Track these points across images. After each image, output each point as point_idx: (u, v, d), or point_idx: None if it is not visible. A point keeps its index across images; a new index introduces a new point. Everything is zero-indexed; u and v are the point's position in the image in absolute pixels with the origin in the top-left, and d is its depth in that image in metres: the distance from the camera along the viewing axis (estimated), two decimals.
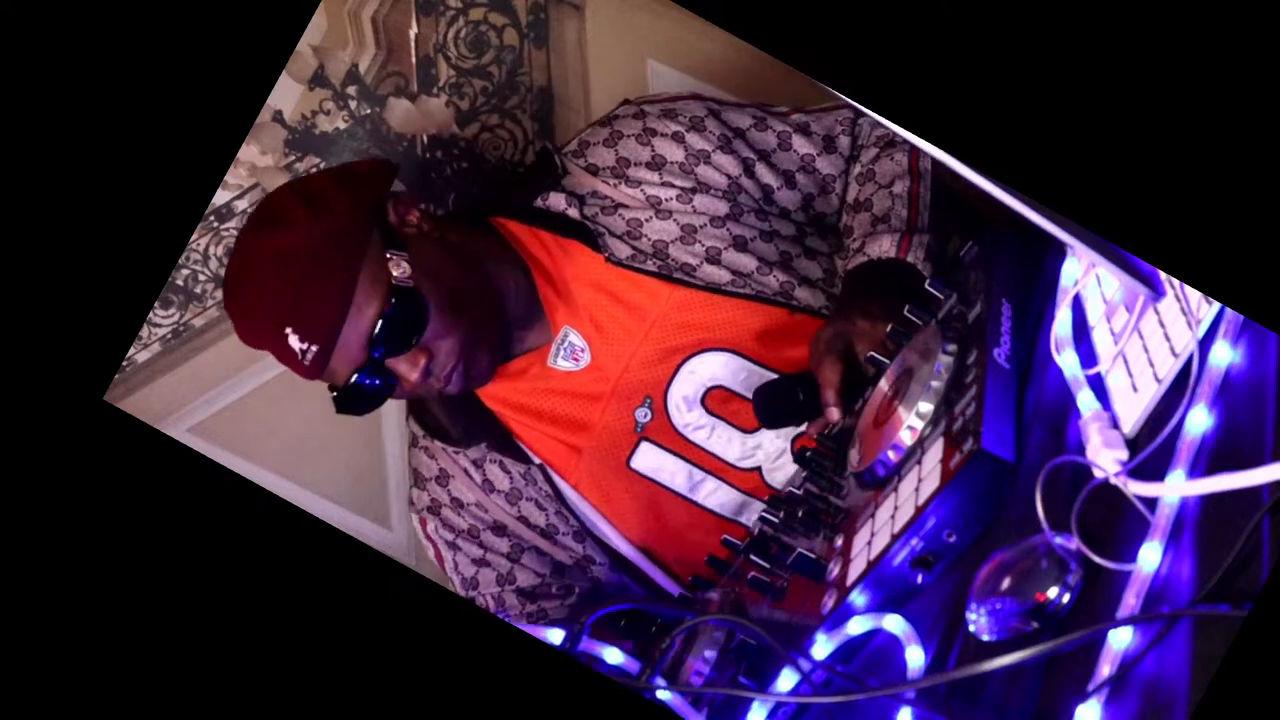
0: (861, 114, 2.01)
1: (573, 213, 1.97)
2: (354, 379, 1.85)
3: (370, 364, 1.84)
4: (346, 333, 1.81)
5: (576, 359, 1.97)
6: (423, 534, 2.09)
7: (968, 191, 1.78)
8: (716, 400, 1.96)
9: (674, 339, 1.95)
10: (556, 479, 2.00)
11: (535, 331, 1.99)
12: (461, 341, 1.87)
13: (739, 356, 1.94)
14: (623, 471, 1.99)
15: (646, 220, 1.96)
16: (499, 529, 2.03)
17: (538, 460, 2.00)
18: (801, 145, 2.00)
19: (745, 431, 1.96)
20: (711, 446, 1.98)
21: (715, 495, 1.99)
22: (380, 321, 1.82)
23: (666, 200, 1.96)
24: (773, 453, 1.97)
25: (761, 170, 1.98)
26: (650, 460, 1.98)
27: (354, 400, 1.88)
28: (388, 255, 1.84)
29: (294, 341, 1.82)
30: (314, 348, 1.81)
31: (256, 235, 1.88)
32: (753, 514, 1.96)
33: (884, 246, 1.85)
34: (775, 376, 1.91)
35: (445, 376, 1.87)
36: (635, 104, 2.05)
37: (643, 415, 1.97)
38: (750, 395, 1.92)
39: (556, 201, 1.98)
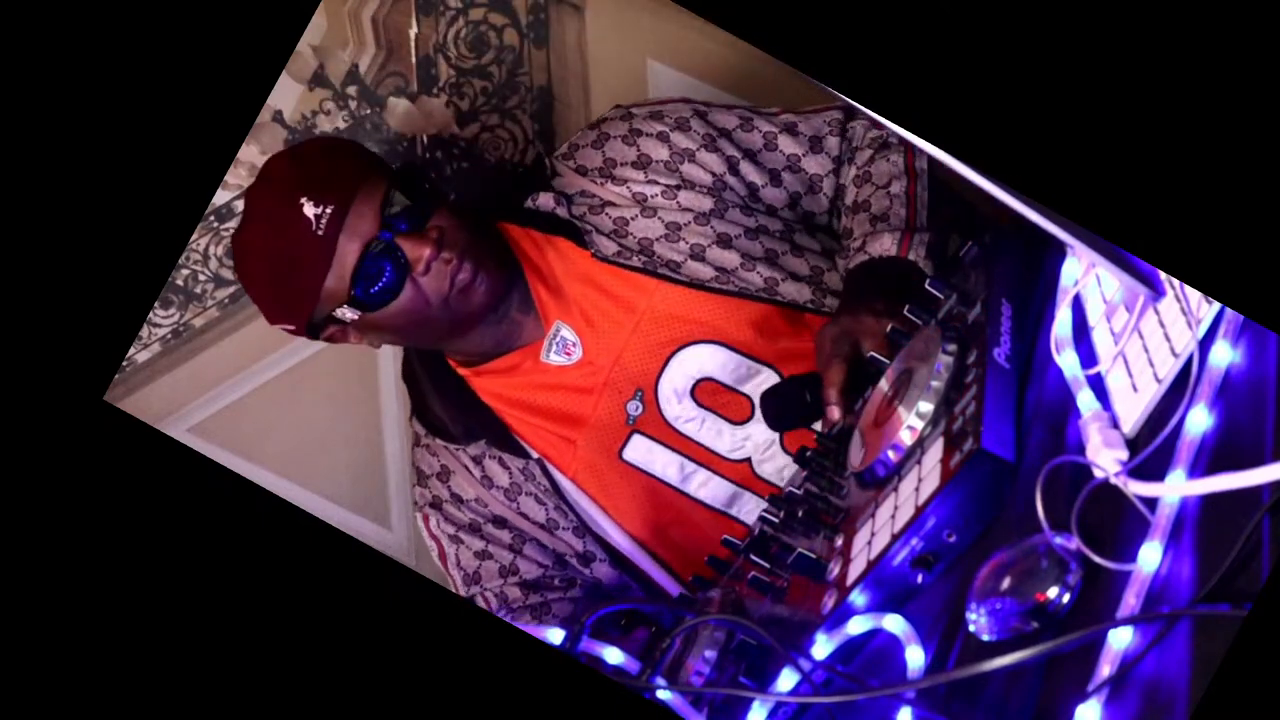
0: (856, 114, 2.03)
1: (561, 211, 2.01)
2: (364, 259, 1.87)
3: (382, 242, 1.87)
4: (360, 202, 1.86)
5: (569, 353, 2.00)
6: (426, 532, 2.10)
7: (964, 189, 1.79)
8: (706, 392, 1.99)
9: (662, 332, 1.98)
10: (554, 472, 2.03)
11: (529, 328, 2.02)
12: (471, 238, 1.92)
13: (727, 349, 1.98)
14: (616, 463, 2.01)
15: (633, 218, 1.99)
16: (499, 522, 2.05)
17: (535, 454, 2.03)
18: (788, 145, 2.02)
19: (734, 423, 1.99)
20: (702, 438, 2.00)
21: (706, 487, 2.02)
22: (392, 189, 1.88)
23: (652, 197, 1.99)
24: (762, 444, 2.00)
25: (746, 168, 2.00)
26: (641, 452, 2.01)
27: (366, 280, 1.88)
28: None
29: (309, 209, 1.85)
30: (329, 209, 1.84)
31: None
32: (744, 505, 2.01)
33: (885, 245, 1.87)
34: (767, 371, 1.96)
35: (458, 255, 1.90)
36: (624, 107, 2.08)
37: (634, 408, 2.00)
38: (739, 387, 1.97)
39: (546, 201, 2.02)
